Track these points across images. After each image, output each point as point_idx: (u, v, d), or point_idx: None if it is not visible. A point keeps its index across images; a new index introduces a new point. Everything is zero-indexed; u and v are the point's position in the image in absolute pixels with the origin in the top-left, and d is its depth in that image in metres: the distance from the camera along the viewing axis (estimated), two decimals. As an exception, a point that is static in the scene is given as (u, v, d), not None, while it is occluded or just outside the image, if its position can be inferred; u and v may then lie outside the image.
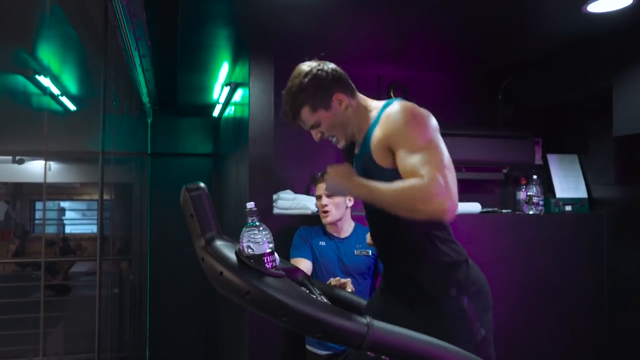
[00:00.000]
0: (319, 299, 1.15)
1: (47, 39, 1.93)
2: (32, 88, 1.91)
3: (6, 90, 1.77)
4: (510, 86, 3.13)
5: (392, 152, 1.37)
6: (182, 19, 2.32)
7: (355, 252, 2.25)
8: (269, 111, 2.45)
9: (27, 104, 1.96)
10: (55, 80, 2.08)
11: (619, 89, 2.43)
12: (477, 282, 1.48)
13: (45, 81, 1.93)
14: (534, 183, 2.93)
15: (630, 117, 2.37)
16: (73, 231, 4.16)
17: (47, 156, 1.88)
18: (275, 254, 1.05)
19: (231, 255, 0.99)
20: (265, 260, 1.01)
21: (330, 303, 1.08)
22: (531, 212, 2.89)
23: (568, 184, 3.02)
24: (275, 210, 2.56)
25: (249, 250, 1.00)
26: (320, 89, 1.48)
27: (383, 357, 1.05)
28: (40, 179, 1.85)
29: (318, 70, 1.49)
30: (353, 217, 2.33)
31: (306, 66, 1.51)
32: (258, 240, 1.01)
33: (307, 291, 1.20)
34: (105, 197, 2.54)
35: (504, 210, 3.00)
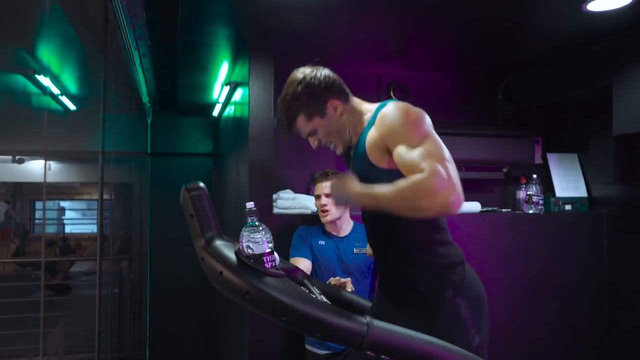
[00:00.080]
0: (319, 298, 1.15)
1: (47, 39, 1.94)
2: (32, 88, 1.91)
3: (6, 89, 1.77)
4: (510, 85, 3.13)
5: (388, 152, 1.36)
6: (182, 19, 2.32)
7: (355, 250, 2.26)
8: (269, 110, 2.45)
9: (27, 104, 1.96)
10: (55, 79, 2.08)
11: (618, 88, 2.42)
12: (475, 288, 1.47)
13: (45, 81, 1.93)
14: (534, 182, 2.93)
15: (630, 116, 2.37)
16: (73, 231, 4.17)
17: (47, 156, 1.88)
18: (275, 254, 1.05)
19: (231, 255, 0.99)
20: (265, 260, 1.01)
21: (329, 302, 1.08)
22: (531, 212, 2.89)
23: (568, 183, 3.02)
24: (275, 210, 2.56)
25: (249, 250, 1.00)
26: (313, 97, 1.47)
27: (383, 356, 1.05)
28: (40, 179, 1.85)
29: (311, 77, 1.48)
30: (352, 216, 2.34)
31: (299, 73, 1.50)
32: (258, 240, 1.01)
33: (307, 291, 1.20)
34: (105, 196, 2.54)
35: (503, 210, 3.00)
